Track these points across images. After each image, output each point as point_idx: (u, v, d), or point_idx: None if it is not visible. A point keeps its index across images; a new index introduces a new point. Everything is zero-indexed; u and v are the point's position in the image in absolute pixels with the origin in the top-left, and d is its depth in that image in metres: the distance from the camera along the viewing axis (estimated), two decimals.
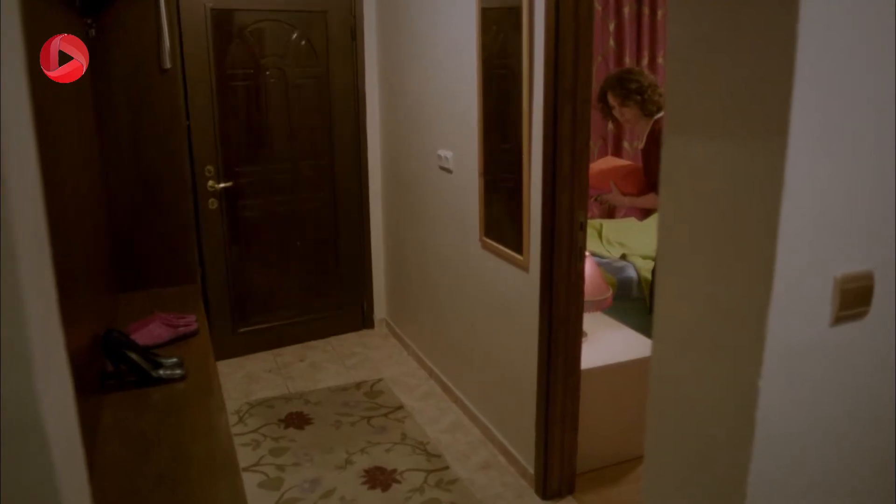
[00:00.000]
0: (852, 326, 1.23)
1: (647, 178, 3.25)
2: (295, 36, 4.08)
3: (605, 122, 3.53)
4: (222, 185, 4.00)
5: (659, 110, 3.15)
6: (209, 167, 3.95)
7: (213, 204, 4.00)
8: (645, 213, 3.43)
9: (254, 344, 4.29)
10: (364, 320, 4.62)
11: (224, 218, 4.07)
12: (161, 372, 2.29)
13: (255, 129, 4.10)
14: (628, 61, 4.79)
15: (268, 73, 4.04)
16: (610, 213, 4.99)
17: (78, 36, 2.53)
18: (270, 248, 4.25)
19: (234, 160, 4.04)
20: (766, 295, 1.13)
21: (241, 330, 4.25)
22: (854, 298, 1.20)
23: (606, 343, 3.12)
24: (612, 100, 3.25)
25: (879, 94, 1.14)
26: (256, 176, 4.11)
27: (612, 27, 4.80)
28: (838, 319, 1.21)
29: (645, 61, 4.85)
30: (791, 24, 1.04)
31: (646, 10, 4.83)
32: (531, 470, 2.91)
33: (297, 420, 3.47)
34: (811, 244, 1.15)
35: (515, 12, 2.63)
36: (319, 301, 4.45)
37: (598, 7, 4.63)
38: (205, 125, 3.91)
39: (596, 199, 3.53)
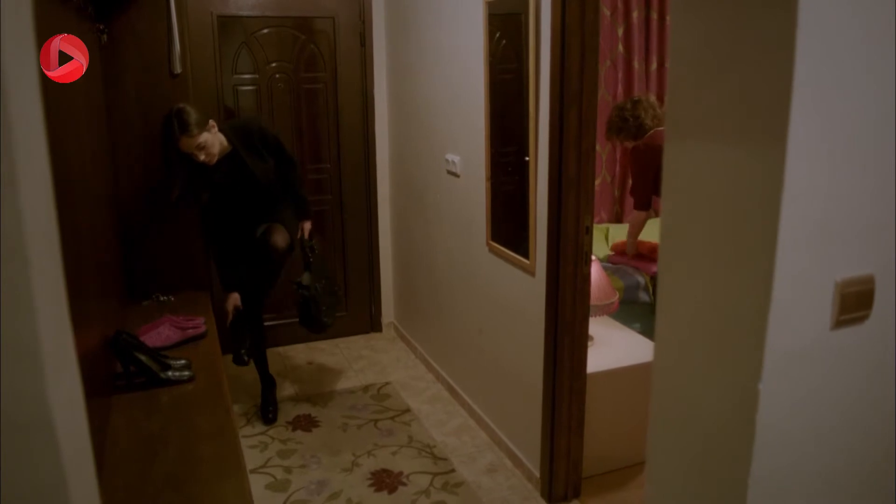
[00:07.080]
0: (853, 330, 1.23)
1: (632, 194, 3.78)
2: (302, 42, 4.11)
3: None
4: None
5: (642, 132, 3.64)
6: None
7: None
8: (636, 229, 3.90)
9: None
10: (372, 323, 4.64)
11: None
12: (170, 373, 2.32)
13: None
14: (637, 66, 4.79)
15: (277, 76, 4.08)
16: (618, 217, 4.99)
17: (91, 41, 2.58)
18: None
19: None
20: (766, 299, 1.14)
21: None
22: (855, 302, 1.21)
23: (613, 347, 3.12)
24: (614, 140, 3.93)
25: (879, 98, 1.15)
26: None
27: (620, 32, 4.80)
28: (839, 323, 1.21)
29: (653, 66, 4.85)
30: (790, 30, 1.05)
31: (654, 15, 4.82)
32: (537, 473, 2.92)
33: (305, 422, 3.49)
34: (811, 248, 1.16)
35: (522, 17, 2.64)
36: None
37: (606, 12, 4.63)
38: None
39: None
